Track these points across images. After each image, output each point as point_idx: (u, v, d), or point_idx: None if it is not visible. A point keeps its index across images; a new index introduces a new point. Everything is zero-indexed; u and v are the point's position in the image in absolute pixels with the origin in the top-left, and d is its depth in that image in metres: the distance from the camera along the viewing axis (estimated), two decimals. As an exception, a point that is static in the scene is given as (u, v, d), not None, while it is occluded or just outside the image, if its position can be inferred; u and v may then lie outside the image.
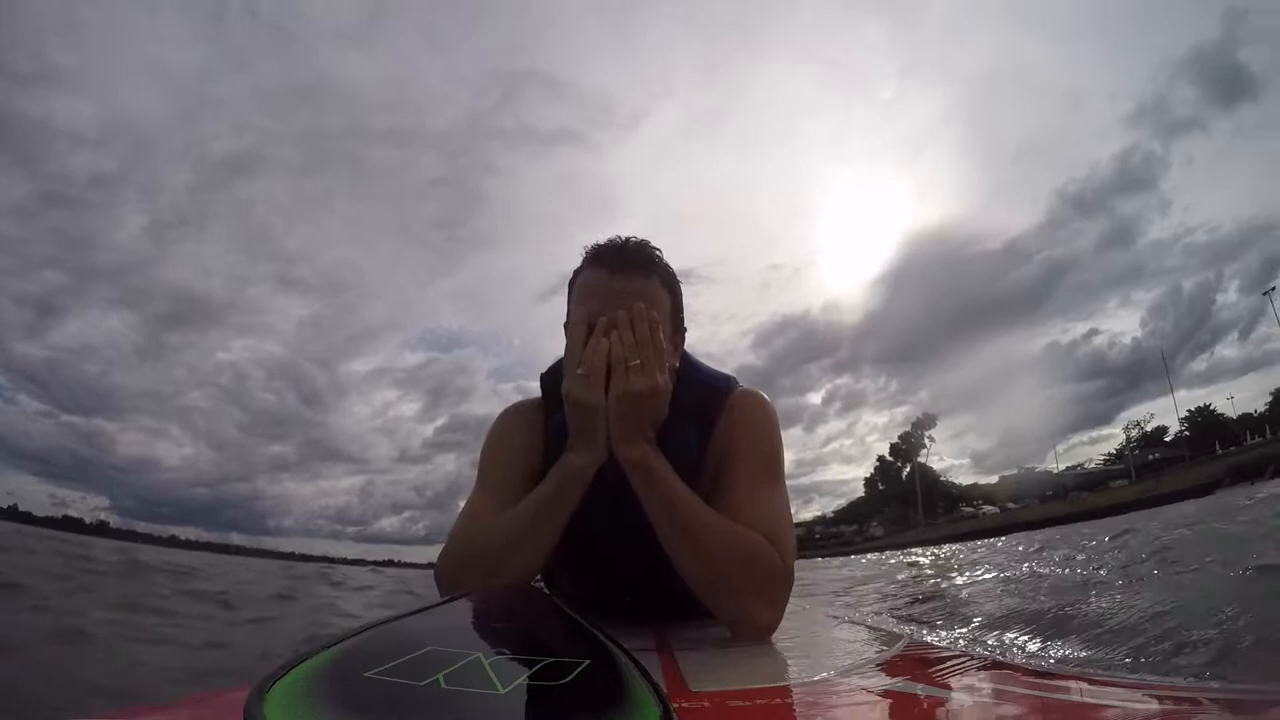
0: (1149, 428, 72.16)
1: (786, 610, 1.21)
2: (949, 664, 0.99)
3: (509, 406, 1.54)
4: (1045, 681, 0.83)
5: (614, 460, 1.23)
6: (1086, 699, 0.71)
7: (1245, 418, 63.25)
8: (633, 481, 1.19)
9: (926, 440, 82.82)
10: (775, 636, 1.19)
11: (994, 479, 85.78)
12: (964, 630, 3.13)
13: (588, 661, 0.62)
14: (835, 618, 1.94)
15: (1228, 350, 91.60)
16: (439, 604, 0.79)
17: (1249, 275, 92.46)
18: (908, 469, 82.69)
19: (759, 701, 0.75)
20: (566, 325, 1.34)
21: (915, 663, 1.01)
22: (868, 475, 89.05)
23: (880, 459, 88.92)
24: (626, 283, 1.26)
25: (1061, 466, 79.04)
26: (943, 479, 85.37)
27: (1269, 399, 62.33)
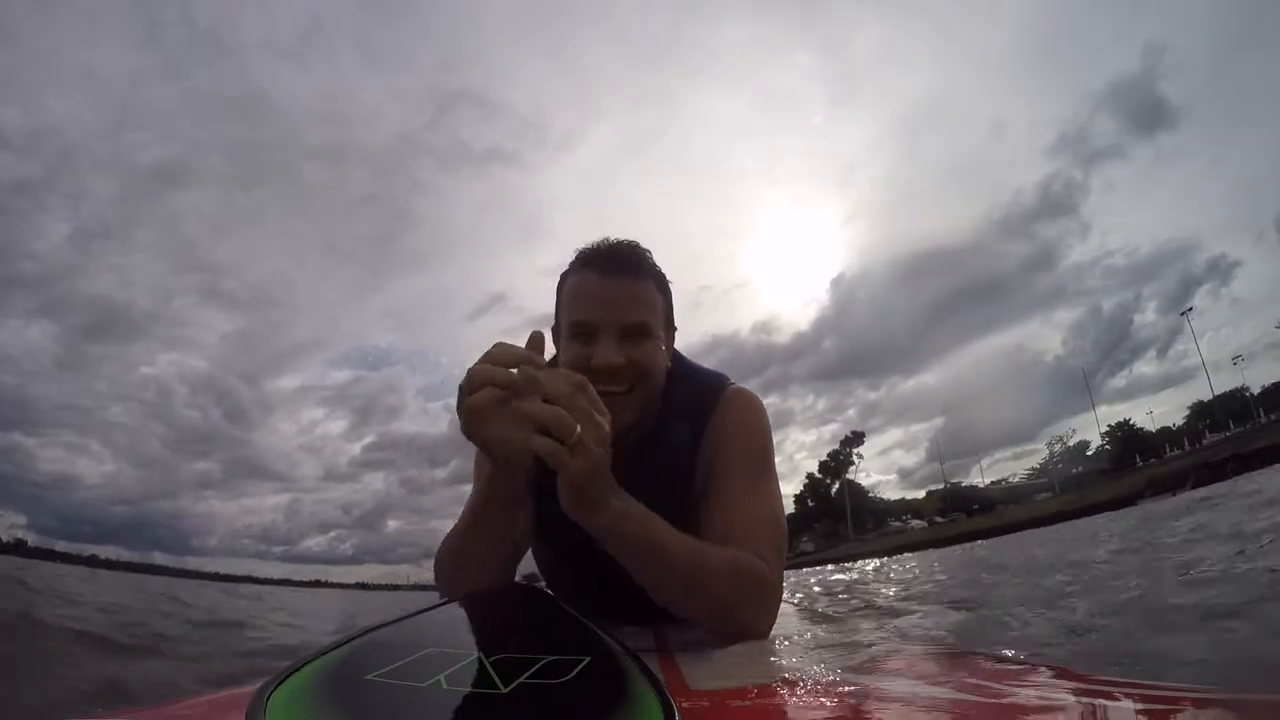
0: (1071, 442, 74.93)
1: (787, 610, 1.17)
2: (949, 662, 1.00)
3: None
4: (1045, 680, 0.83)
5: (614, 463, 1.19)
6: (1087, 698, 0.71)
7: (1164, 430, 66.19)
8: (603, 543, 1.07)
9: (855, 457, 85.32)
10: (774, 636, 1.19)
11: (921, 494, 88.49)
12: (963, 630, 3.18)
13: (588, 660, 0.62)
14: (835, 617, 1.93)
15: (1146, 367, 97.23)
16: (439, 605, 0.78)
17: (1166, 296, 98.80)
18: (837, 486, 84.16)
19: (759, 701, 0.76)
20: (554, 330, 1.36)
21: (915, 662, 1.00)
22: (797, 492, 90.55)
23: (809, 476, 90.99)
24: (619, 286, 1.25)
25: (987, 481, 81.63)
26: (871, 495, 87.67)
27: (1186, 413, 65.56)
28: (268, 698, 0.47)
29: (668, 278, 1.37)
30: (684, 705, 0.70)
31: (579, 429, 0.92)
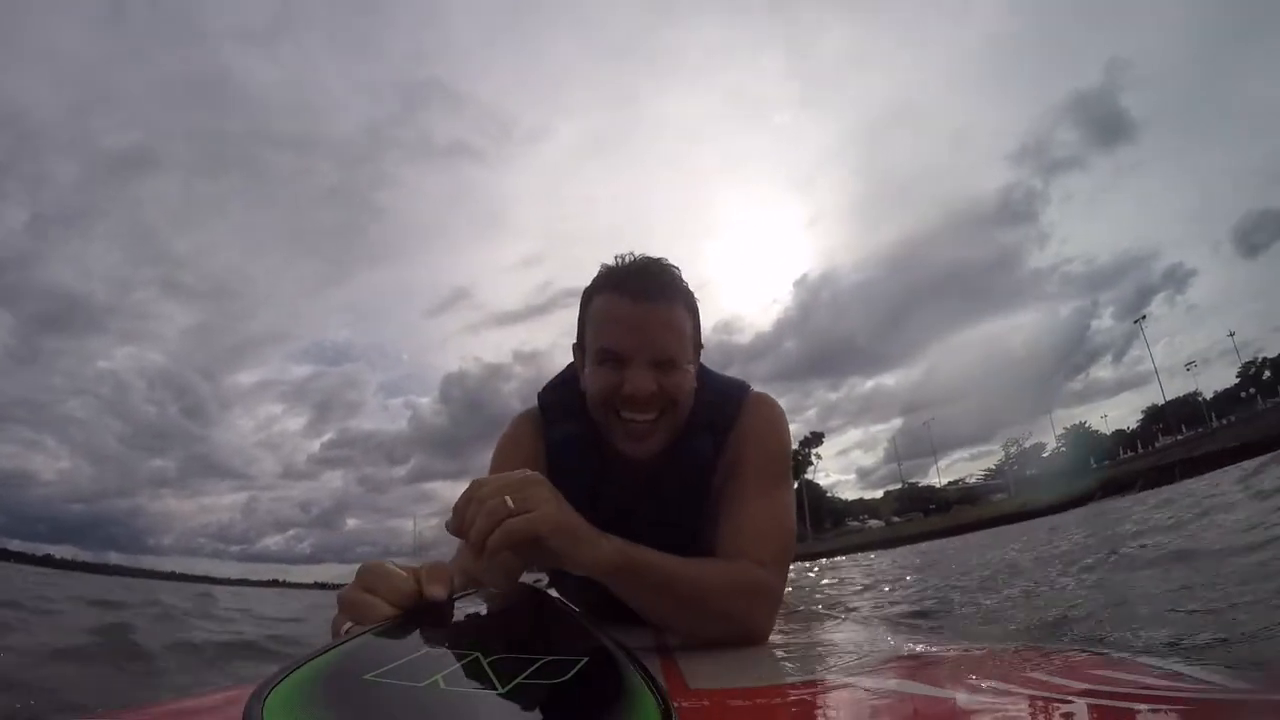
0: (1027, 445, 76.20)
1: (787, 610, 1.20)
2: (948, 663, 1.00)
3: (522, 412, 1.50)
4: (1045, 680, 0.83)
5: (615, 467, 1.25)
6: (1087, 698, 0.70)
7: (1119, 433, 67.59)
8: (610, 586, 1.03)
9: (814, 458, 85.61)
10: (775, 636, 1.21)
11: (879, 494, 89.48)
12: (963, 629, 3.24)
13: (586, 660, 0.61)
14: (835, 617, 1.95)
15: (1103, 371, 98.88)
16: (438, 604, 0.77)
17: (1123, 303, 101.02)
18: (795, 486, 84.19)
19: (758, 700, 0.75)
20: (575, 347, 1.36)
21: (915, 661, 1.01)
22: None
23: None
24: (650, 313, 1.21)
25: (944, 481, 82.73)
26: (829, 495, 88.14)
27: (1140, 416, 67.05)
28: (265, 698, 0.46)
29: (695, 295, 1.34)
30: (684, 705, 0.71)
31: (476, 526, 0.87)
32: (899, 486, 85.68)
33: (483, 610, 0.85)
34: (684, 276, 1.32)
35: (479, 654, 0.60)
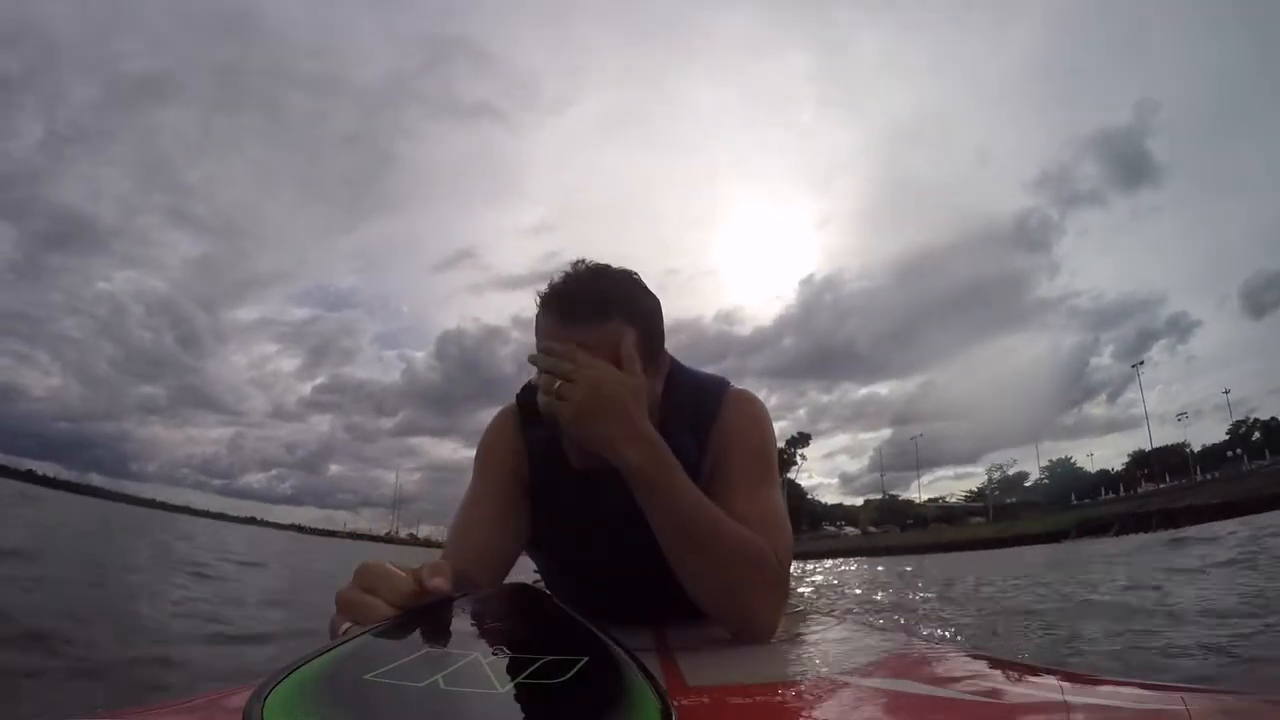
0: (1011, 471, 76.32)
1: (787, 608, 1.22)
2: (948, 663, 1.00)
3: (502, 409, 1.48)
4: (1045, 680, 0.83)
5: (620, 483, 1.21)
6: (1087, 698, 0.71)
7: (1103, 473, 67.71)
8: (631, 487, 1.12)
9: (799, 458, 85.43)
10: (774, 634, 1.20)
11: (859, 501, 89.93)
12: (963, 629, 3.32)
13: (586, 660, 0.61)
14: (834, 616, 1.94)
15: (1096, 409, 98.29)
16: (437, 604, 0.76)
17: (1124, 344, 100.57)
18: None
19: (758, 698, 0.75)
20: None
21: (915, 661, 1.01)
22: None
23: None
24: (578, 333, 1.17)
25: (924, 497, 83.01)
26: (809, 496, 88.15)
27: (1126, 459, 67.10)
28: (265, 698, 0.47)
29: (652, 295, 1.30)
30: (683, 703, 0.71)
31: (556, 384, 1.09)
32: (880, 497, 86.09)
33: (482, 610, 0.84)
34: (639, 278, 1.28)
35: (479, 654, 0.61)
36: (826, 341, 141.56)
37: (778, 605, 1.17)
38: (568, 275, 1.23)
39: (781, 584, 1.17)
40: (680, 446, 1.22)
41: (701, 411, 1.34)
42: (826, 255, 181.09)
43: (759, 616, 1.14)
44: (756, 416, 1.38)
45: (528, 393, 1.40)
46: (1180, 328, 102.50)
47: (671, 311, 1.41)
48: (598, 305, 1.18)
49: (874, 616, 4.26)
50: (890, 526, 70.55)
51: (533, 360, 1.15)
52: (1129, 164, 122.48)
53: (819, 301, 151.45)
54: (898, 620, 4.21)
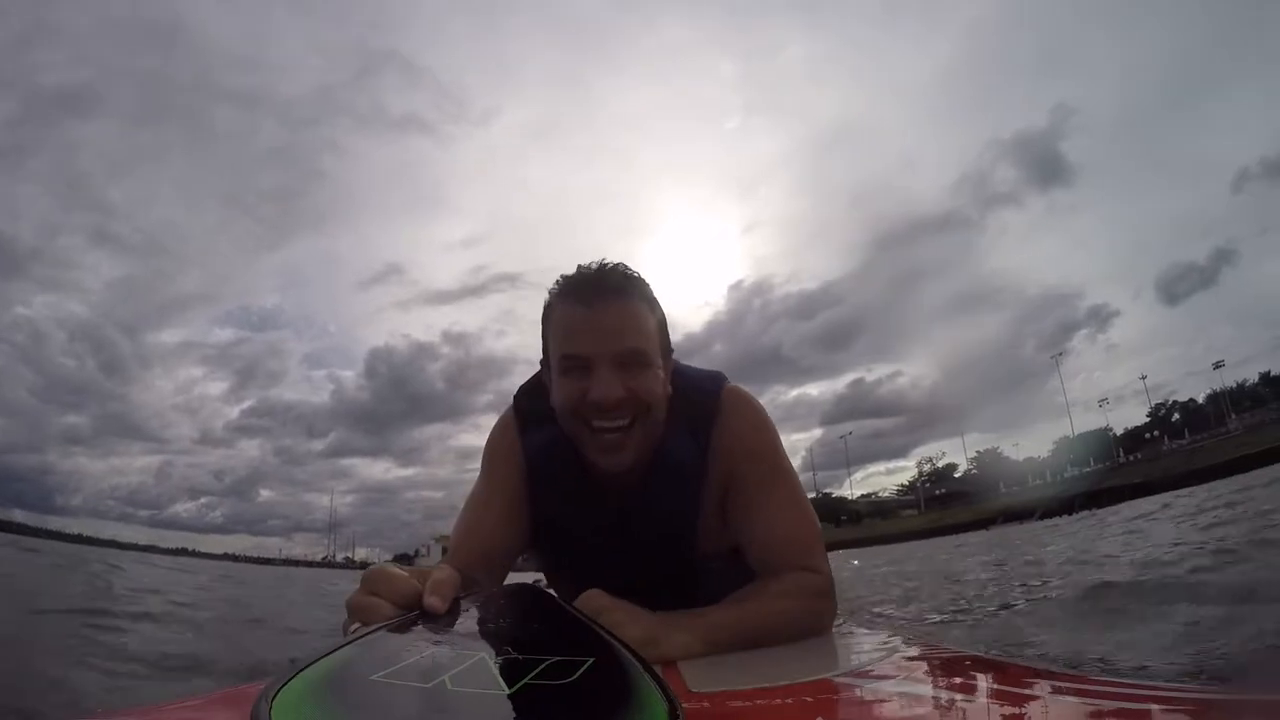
0: (940, 464, 78.46)
1: None
2: (948, 664, 1.02)
3: (502, 416, 1.48)
4: (1045, 681, 0.85)
5: (595, 477, 1.26)
6: (1087, 699, 0.71)
7: (1030, 460, 70.30)
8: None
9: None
10: None
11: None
12: (963, 629, 3.30)
13: (593, 660, 0.60)
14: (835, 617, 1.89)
15: (1020, 398, 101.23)
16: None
17: (1044, 336, 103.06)
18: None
19: (759, 702, 0.75)
20: (543, 363, 1.32)
21: (915, 663, 1.01)
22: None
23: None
24: (608, 313, 1.19)
25: (857, 494, 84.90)
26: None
27: (1052, 447, 69.60)
28: (273, 698, 0.46)
29: (660, 302, 1.31)
30: (685, 707, 0.66)
31: None
32: (813, 496, 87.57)
33: (488, 611, 0.84)
34: (645, 283, 1.29)
35: (485, 655, 0.61)
36: (755, 345, 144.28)
37: (830, 612, 1.26)
38: (586, 268, 1.25)
39: (829, 590, 1.25)
40: (679, 452, 1.28)
41: (700, 412, 1.33)
42: (754, 261, 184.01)
43: (824, 628, 1.23)
44: (755, 418, 1.37)
45: (525, 397, 1.42)
46: (1100, 318, 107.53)
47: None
48: (625, 286, 1.22)
49: (859, 614, 4.28)
50: (824, 524, 71.70)
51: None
52: (1044, 166, 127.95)
53: (748, 306, 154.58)
54: (886, 617, 4.28)
